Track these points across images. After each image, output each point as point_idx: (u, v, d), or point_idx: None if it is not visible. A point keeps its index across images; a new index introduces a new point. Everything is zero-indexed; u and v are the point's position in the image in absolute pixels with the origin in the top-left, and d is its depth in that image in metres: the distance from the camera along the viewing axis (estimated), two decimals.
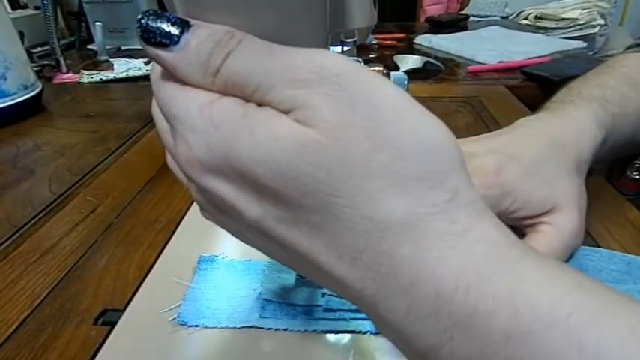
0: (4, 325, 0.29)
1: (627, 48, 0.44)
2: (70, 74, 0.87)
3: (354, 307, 0.27)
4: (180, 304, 0.28)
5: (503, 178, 0.28)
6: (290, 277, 0.30)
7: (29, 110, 0.66)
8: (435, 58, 0.88)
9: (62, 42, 1.06)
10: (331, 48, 0.20)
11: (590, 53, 0.92)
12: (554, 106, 0.35)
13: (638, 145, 0.39)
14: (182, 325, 0.27)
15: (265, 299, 0.28)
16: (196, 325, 0.27)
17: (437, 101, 0.66)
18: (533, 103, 0.44)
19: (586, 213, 0.30)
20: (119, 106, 0.71)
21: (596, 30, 1.07)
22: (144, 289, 0.30)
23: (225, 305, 0.28)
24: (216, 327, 0.27)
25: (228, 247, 0.34)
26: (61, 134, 0.60)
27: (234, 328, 0.27)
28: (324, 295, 0.28)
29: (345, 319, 0.27)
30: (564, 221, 0.28)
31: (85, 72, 0.86)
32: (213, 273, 0.31)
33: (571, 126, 0.31)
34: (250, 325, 0.27)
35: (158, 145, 0.54)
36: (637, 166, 0.44)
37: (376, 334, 0.26)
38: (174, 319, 0.27)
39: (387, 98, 0.14)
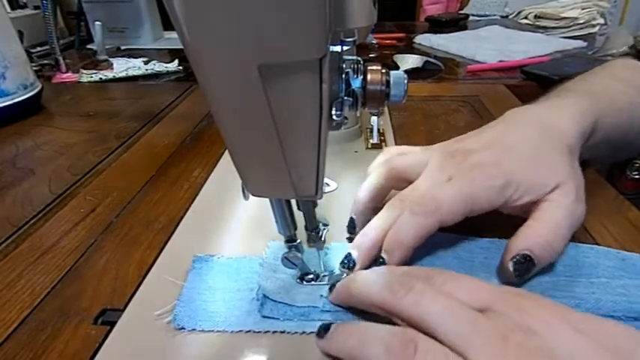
0: (4, 324, 0.29)
1: (630, 47, 0.44)
2: (69, 74, 0.87)
3: (352, 308, 0.27)
4: (174, 306, 0.28)
5: (505, 169, 0.30)
6: (287, 278, 0.30)
7: (29, 110, 0.66)
8: (435, 57, 0.87)
9: (61, 41, 1.06)
10: (331, 47, 0.20)
11: (590, 52, 0.92)
12: (540, 100, 0.37)
13: (635, 138, 0.39)
14: (179, 329, 0.27)
15: (264, 295, 0.28)
16: (193, 329, 0.27)
17: (437, 101, 0.65)
18: None
19: (586, 212, 0.30)
20: (119, 105, 0.71)
21: (596, 29, 1.07)
22: (143, 289, 0.30)
23: (221, 308, 0.28)
24: (212, 330, 0.27)
25: (228, 247, 0.34)
26: (60, 134, 0.60)
27: (232, 332, 0.26)
28: (321, 296, 0.28)
29: (343, 321, 0.27)
30: (562, 196, 0.29)
31: (85, 71, 0.86)
32: (208, 272, 0.31)
33: (554, 112, 0.33)
34: (247, 329, 0.26)
35: (158, 145, 0.54)
36: (637, 165, 0.44)
37: None
38: (169, 322, 0.27)
39: None
